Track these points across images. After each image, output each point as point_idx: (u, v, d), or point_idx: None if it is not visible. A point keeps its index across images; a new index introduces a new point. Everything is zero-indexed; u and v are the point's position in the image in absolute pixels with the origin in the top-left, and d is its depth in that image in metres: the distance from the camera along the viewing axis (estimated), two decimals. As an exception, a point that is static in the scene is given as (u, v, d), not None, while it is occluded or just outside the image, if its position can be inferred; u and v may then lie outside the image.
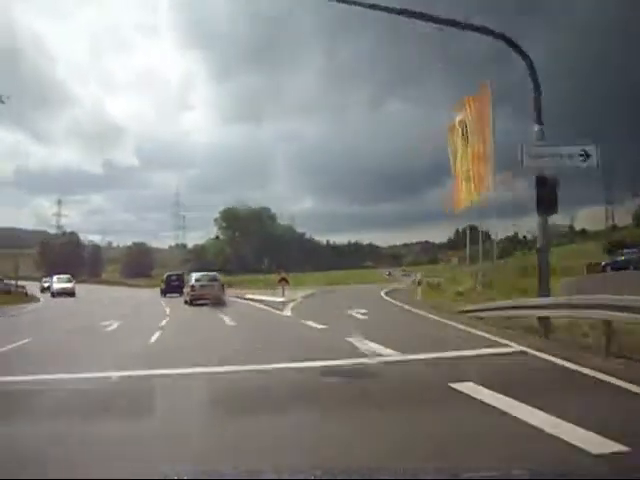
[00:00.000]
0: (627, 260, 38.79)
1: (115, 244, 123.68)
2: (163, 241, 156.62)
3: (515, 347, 11.00)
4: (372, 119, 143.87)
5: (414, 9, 15.32)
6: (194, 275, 32.00)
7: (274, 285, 34.14)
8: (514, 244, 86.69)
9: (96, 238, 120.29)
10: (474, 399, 6.62)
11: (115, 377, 9.07)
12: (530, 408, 5.97)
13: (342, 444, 5.17)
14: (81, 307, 32.07)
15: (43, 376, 9.21)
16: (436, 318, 18.39)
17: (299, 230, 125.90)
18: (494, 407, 6.21)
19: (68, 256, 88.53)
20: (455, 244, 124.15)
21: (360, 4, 15.72)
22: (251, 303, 30.55)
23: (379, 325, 17.47)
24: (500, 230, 39.54)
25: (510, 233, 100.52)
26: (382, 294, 35.23)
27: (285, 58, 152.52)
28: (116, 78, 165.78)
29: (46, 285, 58.00)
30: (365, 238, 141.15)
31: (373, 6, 15.57)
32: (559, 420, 5.51)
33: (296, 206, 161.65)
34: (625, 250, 42.57)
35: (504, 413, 5.97)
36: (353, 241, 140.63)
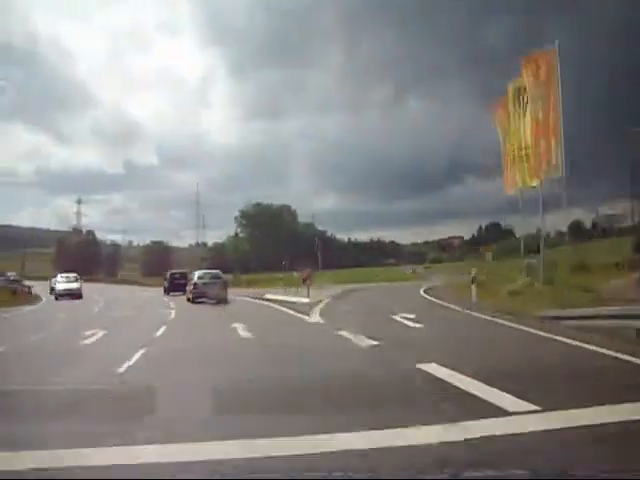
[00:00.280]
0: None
1: (136, 243, 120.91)
2: (183, 240, 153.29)
3: None
4: (392, 116, 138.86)
5: None
6: (197, 273, 30.89)
7: (296, 284, 30.54)
8: (536, 241, 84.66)
9: (117, 238, 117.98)
10: None
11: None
12: None
13: None
14: (73, 310, 27.38)
15: None
16: (522, 328, 13.28)
17: (320, 228, 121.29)
18: None
19: (85, 255, 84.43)
20: (479, 241, 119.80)
21: None
22: (271, 305, 25.61)
23: (451, 340, 12.36)
24: (522, 227, 34.70)
25: (532, 230, 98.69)
26: (422, 293, 30.13)
27: (305, 55, 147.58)
28: (136, 77, 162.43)
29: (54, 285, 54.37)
30: (386, 236, 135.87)
31: None
32: None
33: (316, 204, 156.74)
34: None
35: None
36: (375, 239, 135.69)
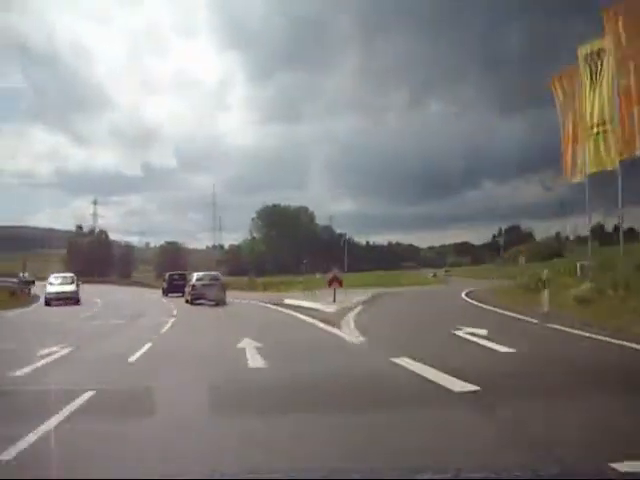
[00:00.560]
0: None
1: (153, 245, 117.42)
2: (201, 242, 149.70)
3: None
4: (410, 119, 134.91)
5: None
6: (195, 274, 30.39)
7: (317, 287, 27.52)
8: (559, 244, 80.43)
9: (134, 239, 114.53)
10: None
11: None
12: None
13: None
14: (56, 316, 22.93)
15: None
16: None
17: (337, 231, 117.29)
18: None
19: (96, 256, 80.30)
20: (497, 245, 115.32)
21: None
22: (292, 313, 20.75)
23: (587, 381, 7.37)
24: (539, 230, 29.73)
25: (551, 234, 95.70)
26: (466, 298, 25.25)
27: (323, 58, 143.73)
28: (154, 80, 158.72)
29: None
30: (402, 239, 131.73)
31: None
32: None
33: (333, 207, 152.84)
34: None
35: None
36: (393, 242, 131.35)
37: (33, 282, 53.82)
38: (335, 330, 14.10)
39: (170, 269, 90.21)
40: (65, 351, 11.36)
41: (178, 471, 3.95)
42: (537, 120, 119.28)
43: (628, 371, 7.92)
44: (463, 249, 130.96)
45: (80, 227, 55.65)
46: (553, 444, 4.50)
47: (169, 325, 16.76)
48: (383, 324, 15.64)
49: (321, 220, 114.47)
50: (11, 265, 66.28)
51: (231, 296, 37.18)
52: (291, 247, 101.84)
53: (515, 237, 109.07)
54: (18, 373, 8.84)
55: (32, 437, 5.00)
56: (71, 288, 33.10)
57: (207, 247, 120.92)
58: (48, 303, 30.78)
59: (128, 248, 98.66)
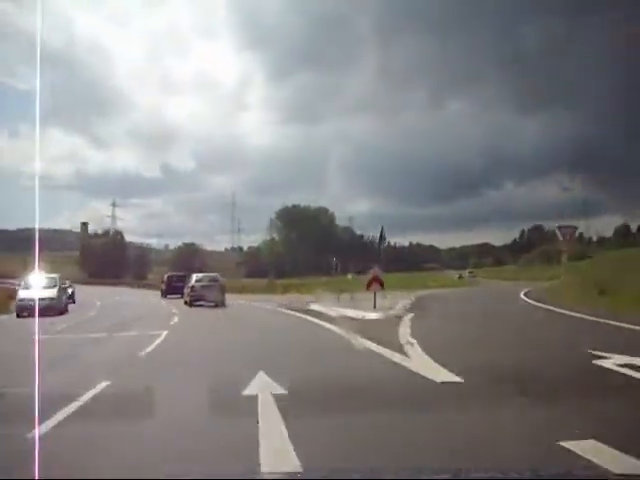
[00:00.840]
0: None
1: (172, 247, 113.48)
2: (220, 244, 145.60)
3: None
4: (430, 119, 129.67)
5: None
6: (194, 276, 29.31)
7: (345, 288, 24.80)
8: (583, 245, 75.90)
9: (153, 241, 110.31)
10: None
11: None
12: None
13: None
14: (20, 327, 18.14)
15: None
16: None
17: (357, 232, 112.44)
18: None
19: (111, 257, 75.69)
20: (519, 245, 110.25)
21: None
22: (323, 324, 15.46)
23: None
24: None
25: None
26: (534, 302, 20.09)
27: (342, 58, 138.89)
28: (173, 81, 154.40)
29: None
30: (423, 240, 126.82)
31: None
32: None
33: (353, 208, 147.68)
34: None
35: None
36: (414, 243, 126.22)
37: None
38: (398, 357, 9.05)
39: (187, 271, 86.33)
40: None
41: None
42: (557, 120, 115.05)
43: None
44: (484, 250, 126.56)
45: (85, 224, 51.60)
46: None
47: (155, 344, 11.85)
48: (465, 346, 10.52)
49: (340, 221, 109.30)
50: (25, 267, 62.32)
51: (247, 299, 32.45)
52: (311, 248, 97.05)
53: (538, 238, 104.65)
54: None
55: None
56: (50, 293, 23.18)
57: (226, 249, 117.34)
58: (18, 314, 22.24)
59: (143, 249, 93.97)
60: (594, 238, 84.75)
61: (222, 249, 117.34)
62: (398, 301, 19.32)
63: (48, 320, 18.99)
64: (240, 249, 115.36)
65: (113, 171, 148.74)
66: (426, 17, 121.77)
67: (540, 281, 44.14)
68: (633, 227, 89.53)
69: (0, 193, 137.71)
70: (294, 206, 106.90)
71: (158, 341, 12.38)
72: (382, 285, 17.06)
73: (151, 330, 14.46)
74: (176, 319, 18.36)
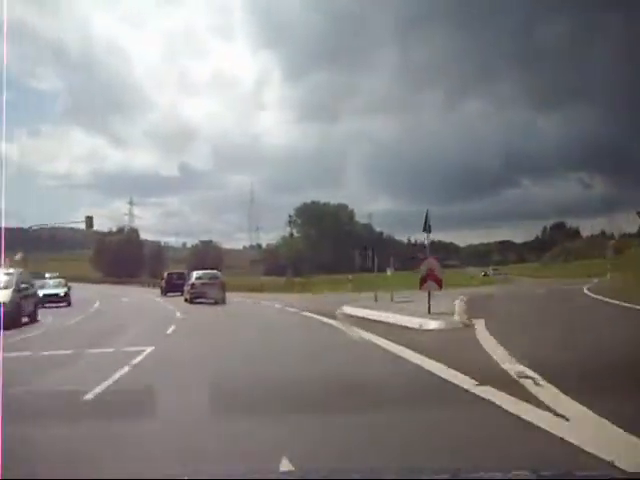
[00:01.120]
0: None
1: (189, 245, 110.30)
2: (238, 242, 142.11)
3: None
4: (447, 118, 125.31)
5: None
6: (195, 273, 28.57)
7: (380, 286, 20.32)
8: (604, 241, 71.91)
9: (171, 240, 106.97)
10: None
11: None
12: None
13: None
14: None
15: None
16: None
17: (376, 229, 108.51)
18: None
19: (126, 255, 71.52)
20: (542, 243, 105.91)
21: None
22: (373, 340, 10.73)
23: None
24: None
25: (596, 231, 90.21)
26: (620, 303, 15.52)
27: (359, 57, 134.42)
28: (190, 81, 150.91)
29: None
30: (444, 237, 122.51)
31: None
32: None
33: (371, 206, 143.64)
34: None
35: None
36: (435, 240, 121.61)
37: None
38: (528, 409, 4.74)
39: (203, 268, 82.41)
40: None
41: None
42: (576, 117, 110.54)
43: None
44: (505, 248, 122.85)
45: (89, 218, 47.37)
46: None
47: (131, 366, 7.68)
48: (615, 372, 6.08)
49: (359, 218, 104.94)
50: (43, 267, 59.01)
51: (265, 299, 28.21)
52: (331, 245, 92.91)
53: (560, 235, 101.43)
54: None
55: None
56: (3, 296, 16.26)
57: (244, 247, 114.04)
58: None
59: (159, 247, 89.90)
60: (615, 235, 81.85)
61: (240, 247, 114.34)
62: (447, 302, 14.93)
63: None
64: (259, 247, 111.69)
65: (132, 170, 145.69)
66: (443, 16, 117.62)
67: (576, 278, 39.46)
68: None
69: (17, 192, 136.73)
70: (313, 203, 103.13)
71: (134, 363, 8.20)
72: (440, 284, 12.66)
73: (133, 346, 10.26)
74: (170, 328, 14.15)
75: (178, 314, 19.06)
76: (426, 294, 13.00)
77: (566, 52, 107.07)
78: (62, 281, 27.46)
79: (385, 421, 4.85)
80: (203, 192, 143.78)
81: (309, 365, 8.16)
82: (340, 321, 13.82)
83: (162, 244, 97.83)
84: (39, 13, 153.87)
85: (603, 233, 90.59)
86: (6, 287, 16.99)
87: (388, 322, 12.52)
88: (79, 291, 41.03)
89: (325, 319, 14.90)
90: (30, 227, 48.75)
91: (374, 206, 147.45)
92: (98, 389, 6.44)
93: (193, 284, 26.92)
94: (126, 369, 7.88)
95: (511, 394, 5.39)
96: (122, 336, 12.43)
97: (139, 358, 8.84)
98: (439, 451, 4.11)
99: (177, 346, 11.09)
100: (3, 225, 17.58)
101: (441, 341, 9.32)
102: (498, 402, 5.23)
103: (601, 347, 8.19)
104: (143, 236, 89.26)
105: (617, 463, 3.44)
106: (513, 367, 6.69)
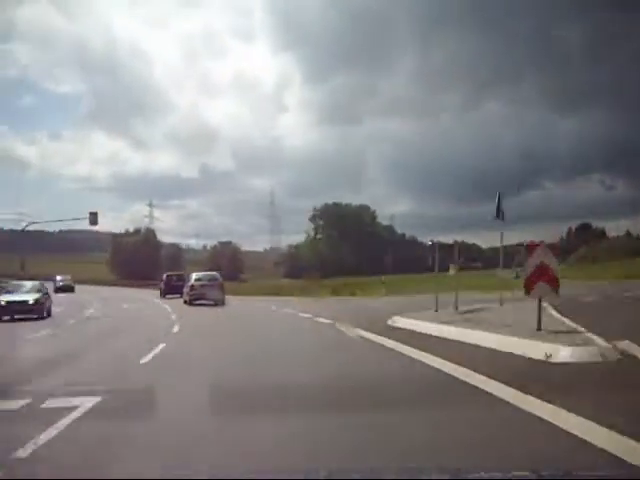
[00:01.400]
0: None
1: (209, 247, 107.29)
2: (259, 245, 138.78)
3: None
4: (468, 119, 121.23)
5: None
6: (194, 275, 27.77)
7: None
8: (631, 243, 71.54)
9: (191, 242, 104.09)
10: None
11: None
12: None
13: None
14: None
15: None
16: None
17: (398, 231, 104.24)
18: None
19: (142, 257, 67.32)
20: (566, 244, 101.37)
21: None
22: (501, 395, 6.41)
23: None
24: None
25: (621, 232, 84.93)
26: None
27: (380, 58, 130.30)
28: (211, 82, 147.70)
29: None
30: (466, 239, 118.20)
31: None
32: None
33: (392, 208, 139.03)
34: None
35: None
36: (459, 241, 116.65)
37: (72, 288, 45.77)
38: None
39: (223, 269, 78.37)
40: None
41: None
42: (596, 119, 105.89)
43: None
44: (527, 249, 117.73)
45: (93, 214, 43.17)
46: None
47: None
48: None
49: (382, 220, 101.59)
50: (60, 268, 55.57)
51: (287, 306, 23.21)
52: (353, 247, 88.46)
53: (585, 236, 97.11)
54: None
55: None
56: None
57: (265, 249, 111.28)
58: None
59: (177, 248, 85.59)
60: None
61: (261, 249, 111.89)
62: (527, 312, 10.30)
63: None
64: (279, 249, 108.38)
65: (152, 173, 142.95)
66: (463, 17, 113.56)
67: (616, 279, 33.71)
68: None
69: (39, 195, 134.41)
70: (335, 204, 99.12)
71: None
72: (556, 285, 8.08)
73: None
74: (159, 347, 9.74)
75: (175, 328, 14.60)
76: (493, 301, 8.50)
77: (586, 53, 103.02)
78: (37, 284, 21.14)
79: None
80: (224, 194, 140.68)
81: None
82: (405, 344, 9.13)
83: (182, 246, 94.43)
84: (61, 16, 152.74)
85: (628, 234, 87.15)
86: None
87: (481, 345, 7.95)
88: (84, 294, 38.18)
89: (374, 336, 10.36)
90: (24, 228, 44.28)
91: (395, 208, 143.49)
92: None
93: (192, 286, 26.35)
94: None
95: None
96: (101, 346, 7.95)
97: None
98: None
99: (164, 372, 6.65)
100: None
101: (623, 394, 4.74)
102: None
103: None
104: (163, 239, 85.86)
105: None
106: None
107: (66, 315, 19.93)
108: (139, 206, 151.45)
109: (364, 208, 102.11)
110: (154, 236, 77.89)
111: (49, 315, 19.72)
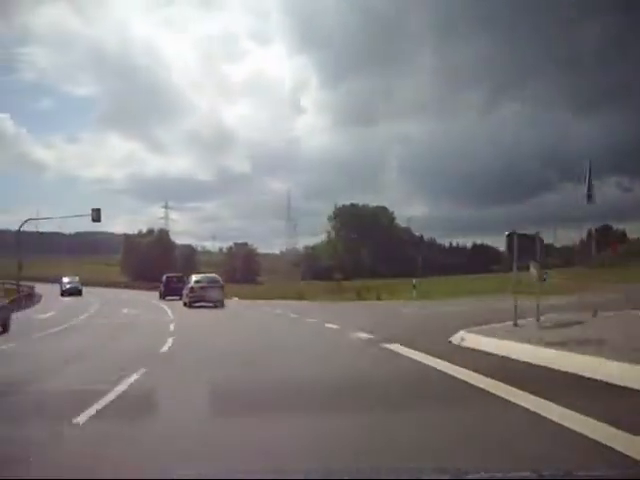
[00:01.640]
0: None
1: (225, 249, 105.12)
2: (277, 247, 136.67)
3: None
4: (486, 120, 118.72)
5: None
6: (194, 277, 27.77)
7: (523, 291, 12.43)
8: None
9: (208, 244, 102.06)
10: None
11: None
12: None
13: None
14: None
15: None
16: None
17: (416, 233, 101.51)
18: None
19: (155, 258, 64.34)
20: (587, 246, 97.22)
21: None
22: None
23: None
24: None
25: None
26: None
27: (398, 60, 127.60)
28: (228, 85, 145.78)
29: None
30: (483, 241, 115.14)
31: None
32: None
33: (409, 210, 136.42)
34: None
35: None
36: (478, 243, 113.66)
37: (79, 291, 43.98)
38: None
39: (239, 272, 75.64)
40: None
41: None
42: (616, 120, 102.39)
43: None
44: (547, 252, 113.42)
45: (96, 210, 39.99)
46: None
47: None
48: None
49: (400, 222, 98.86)
50: (73, 269, 53.29)
51: (313, 312, 19.40)
52: (372, 248, 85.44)
53: (606, 238, 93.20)
54: None
55: None
56: None
57: (281, 251, 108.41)
58: None
59: (192, 250, 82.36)
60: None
61: (277, 252, 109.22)
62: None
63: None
64: (297, 251, 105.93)
65: (169, 175, 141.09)
66: (480, 18, 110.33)
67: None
68: None
69: (58, 197, 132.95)
70: (352, 205, 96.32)
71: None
72: None
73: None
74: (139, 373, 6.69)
75: (169, 341, 11.45)
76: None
77: (606, 53, 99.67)
78: None
79: None
80: (240, 196, 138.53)
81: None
82: (526, 391, 5.79)
83: (198, 248, 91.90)
84: (78, 19, 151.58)
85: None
86: None
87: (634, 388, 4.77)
88: (90, 297, 35.90)
89: (456, 369, 7.12)
90: (20, 227, 41.26)
91: (412, 210, 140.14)
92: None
93: (192, 288, 26.04)
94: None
95: None
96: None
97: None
98: None
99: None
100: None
101: None
102: None
103: None
104: (179, 241, 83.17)
105: None
106: None
107: (43, 325, 16.69)
108: (156, 208, 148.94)
109: (382, 209, 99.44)
110: (167, 237, 74.89)
111: (5, 330, 15.25)
